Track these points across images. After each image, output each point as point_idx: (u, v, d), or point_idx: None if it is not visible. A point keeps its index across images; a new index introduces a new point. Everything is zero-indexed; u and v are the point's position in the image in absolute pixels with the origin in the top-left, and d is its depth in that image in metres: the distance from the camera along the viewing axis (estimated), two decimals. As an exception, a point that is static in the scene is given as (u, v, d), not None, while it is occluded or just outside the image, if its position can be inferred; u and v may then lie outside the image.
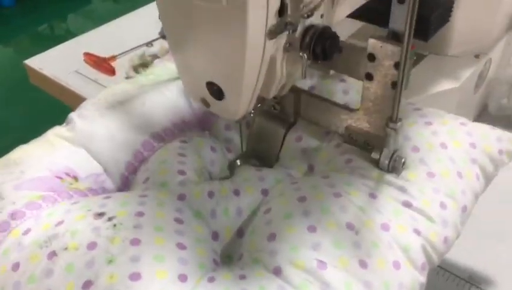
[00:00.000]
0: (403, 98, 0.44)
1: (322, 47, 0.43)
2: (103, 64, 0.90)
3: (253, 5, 0.35)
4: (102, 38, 1.00)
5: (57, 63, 0.93)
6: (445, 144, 0.48)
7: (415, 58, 0.46)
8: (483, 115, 0.83)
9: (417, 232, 0.42)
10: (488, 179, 0.49)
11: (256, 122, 0.54)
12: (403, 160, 0.45)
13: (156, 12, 0.42)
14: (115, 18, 1.08)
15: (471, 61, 0.71)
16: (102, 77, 0.89)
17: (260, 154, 0.54)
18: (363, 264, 0.38)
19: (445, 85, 0.67)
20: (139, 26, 1.02)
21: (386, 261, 0.39)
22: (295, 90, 0.52)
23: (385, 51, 0.43)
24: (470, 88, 0.72)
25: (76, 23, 2.55)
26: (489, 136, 0.50)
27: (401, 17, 0.41)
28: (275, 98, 0.50)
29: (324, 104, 0.52)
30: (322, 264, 0.38)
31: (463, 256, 0.60)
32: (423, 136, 0.49)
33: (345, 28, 0.72)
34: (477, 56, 0.72)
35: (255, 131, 0.55)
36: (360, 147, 0.49)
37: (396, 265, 0.40)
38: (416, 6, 0.38)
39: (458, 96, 0.69)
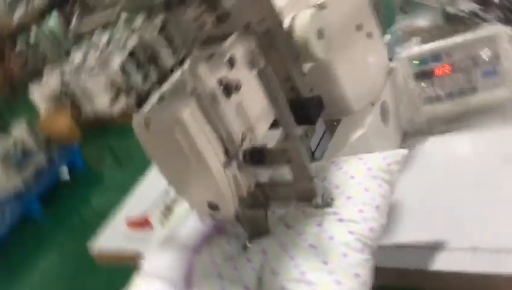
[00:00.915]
0: (326, 159, 0.75)
1: (256, 158, 0.76)
2: (144, 224, 1.23)
3: (209, 159, 0.68)
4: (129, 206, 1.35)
5: (111, 240, 1.26)
6: (352, 176, 0.79)
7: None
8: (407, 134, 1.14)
9: (351, 232, 0.71)
10: (390, 183, 0.79)
11: (244, 213, 0.86)
12: (331, 197, 0.76)
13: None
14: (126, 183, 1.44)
15: (369, 109, 1.03)
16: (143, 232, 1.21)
17: (257, 231, 0.85)
18: (325, 263, 0.67)
19: (357, 133, 0.99)
20: (154, 183, 1.37)
21: (338, 255, 0.68)
22: (259, 185, 0.84)
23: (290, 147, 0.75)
24: (377, 126, 1.04)
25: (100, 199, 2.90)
26: (377, 158, 0.81)
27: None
28: (248, 194, 0.82)
29: (280, 188, 0.83)
30: (302, 272, 0.67)
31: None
32: (339, 177, 0.80)
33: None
34: (372, 103, 1.04)
35: (247, 219, 0.86)
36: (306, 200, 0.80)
37: (345, 255, 0.68)
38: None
39: (371, 136, 1.00)
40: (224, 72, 0.70)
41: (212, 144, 0.69)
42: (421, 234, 0.88)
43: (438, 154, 1.03)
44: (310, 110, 0.82)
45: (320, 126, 1.07)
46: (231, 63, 0.72)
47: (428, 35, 1.11)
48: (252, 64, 0.74)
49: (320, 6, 0.87)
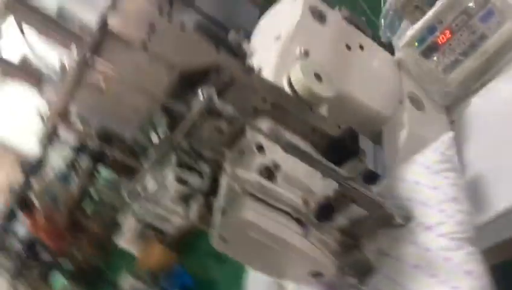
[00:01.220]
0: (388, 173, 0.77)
1: (327, 213, 0.79)
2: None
3: (289, 238, 0.72)
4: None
5: None
6: (416, 181, 0.80)
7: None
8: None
9: (442, 235, 0.71)
10: (453, 169, 0.79)
11: (345, 262, 0.87)
12: (407, 212, 0.77)
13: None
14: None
15: (401, 108, 1.04)
16: None
17: (364, 272, 0.86)
18: (433, 275, 0.68)
19: (403, 134, 1.00)
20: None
21: (441, 262, 0.69)
22: (343, 231, 0.86)
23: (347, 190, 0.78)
24: (418, 118, 1.04)
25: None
26: (429, 154, 0.81)
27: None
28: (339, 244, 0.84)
29: (362, 224, 0.85)
30: None
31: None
32: (405, 189, 0.81)
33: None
34: (400, 101, 1.05)
35: (350, 266, 0.87)
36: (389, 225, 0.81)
37: (447, 259, 0.69)
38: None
39: (417, 129, 1.00)
40: (259, 160, 0.75)
41: (284, 224, 0.73)
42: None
43: (488, 110, 1.02)
44: (347, 145, 0.85)
45: (367, 145, 1.09)
46: (260, 149, 0.77)
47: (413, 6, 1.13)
48: (277, 140, 0.79)
49: (305, 54, 0.92)
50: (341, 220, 0.87)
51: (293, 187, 0.77)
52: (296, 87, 0.86)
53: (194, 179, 0.80)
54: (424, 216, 0.75)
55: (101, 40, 0.61)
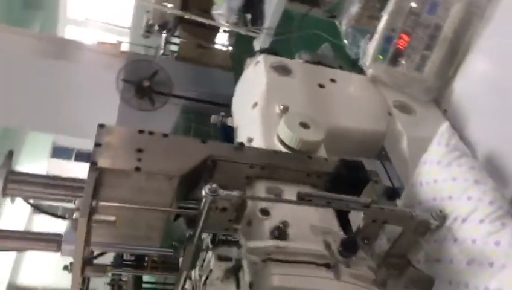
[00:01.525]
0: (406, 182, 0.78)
1: (352, 248, 0.79)
2: None
3: (323, 286, 0.72)
4: None
5: None
6: (435, 180, 0.81)
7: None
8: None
9: (481, 221, 0.71)
10: (463, 154, 0.80)
11: (403, 283, 0.87)
12: (439, 211, 0.77)
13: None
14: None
15: (392, 119, 1.07)
16: None
17: (426, 286, 0.85)
18: (491, 265, 0.68)
19: (403, 142, 1.02)
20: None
21: (491, 248, 0.68)
22: (387, 255, 0.86)
23: (373, 214, 0.79)
24: (410, 121, 1.06)
25: None
26: (433, 149, 0.83)
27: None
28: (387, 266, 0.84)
29: (402, 242, 0.86)
30: (486, 288, 0.68)
31: None
32: (426, 190, 0.82)
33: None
34: (389, 113, 1.08)
35: (411, 282, 0.87)
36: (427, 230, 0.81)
37: (497, 243, 0.68)
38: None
39: (413, 131, 1.03)
40: (267, 224, 0.76)
41: (313, 275, 0.70)
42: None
43: (472, 88, 1.04)
44: (354, 176, 0.87)
45: (376, 165, 1.11)
46: (265, 213, 0.77)
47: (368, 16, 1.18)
48: (276, 195, 0.80)
49: (284, 109, 0.95)
50: (383, 245, 0.88)
51: (311, 235, 0.76)
52: (289, 143, 0.89)
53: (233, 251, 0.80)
54: (455, 210, 0.75)
55: (96, 185, 0.65)
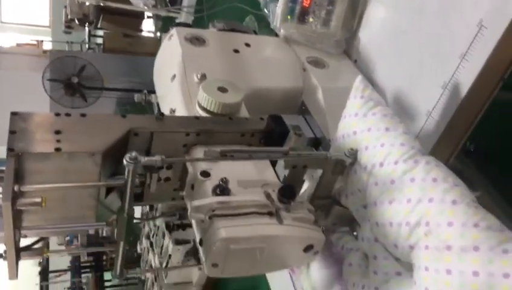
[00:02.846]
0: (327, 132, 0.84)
1: (289, 194, 0.85)
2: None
3: (267, 231, 0.78)
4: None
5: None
6: (354, 132, 0.87)
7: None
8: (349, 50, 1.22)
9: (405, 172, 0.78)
10: (377, 103, 0.86)
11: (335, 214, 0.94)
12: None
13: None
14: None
15: (306, 74, 1.13)
16: None
17: (351, 221, 0.93)
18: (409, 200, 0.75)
19: (319, 92, 1.08)
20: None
21: (413, 184, 0.76)
22: (314, 197, 0.93)
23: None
24: (326, 74, 1.13)
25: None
26: (351, 103, 0.88)
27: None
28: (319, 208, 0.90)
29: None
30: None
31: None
32: (352, 142, 0.88)
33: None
34: (304, 69, 1.14)
35: (338, 218, 0.94)
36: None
37: (412, 180, 0.76)
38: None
39: (328, 82, 1.09)
40: (208, 183, 0.80)
41: (258, 223, 0.76)
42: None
43: (375, 35, 1.11)
44: (276, 129, 0.91)
45: (299, 119, 1.16)
46: (205, 174, 0.81)
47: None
48: (213, 157, 0.83)
49: (202, 77, 0.98)
50: (309, 189, 0.94)
51: (250, 187, 0.81)
52: (209, 108, 0.93)
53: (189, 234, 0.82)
54: (371, 157, 0.80)
55: (17, 168, 0.66)
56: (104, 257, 4.76)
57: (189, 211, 0.78)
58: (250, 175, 0.83)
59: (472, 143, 0.91)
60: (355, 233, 0.94)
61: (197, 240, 0.78)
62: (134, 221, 0.78)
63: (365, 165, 0.82)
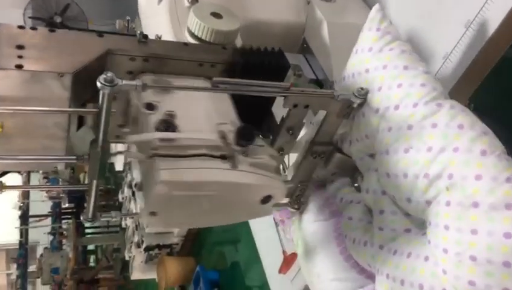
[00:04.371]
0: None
1: (248, 136, 0.75)
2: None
3: (218, 177, 0.68)
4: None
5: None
6: (366, 69, 0.76)
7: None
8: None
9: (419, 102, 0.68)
10: (396, 38, 0.74)
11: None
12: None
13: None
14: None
15: (308, 8, 1.01)
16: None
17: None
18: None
19: (324, 28, 0.96)
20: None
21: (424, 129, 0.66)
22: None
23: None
24: (327, 8, 1.01)
25: None
26: (365, 36, 0.76)
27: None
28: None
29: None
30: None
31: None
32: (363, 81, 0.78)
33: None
34: (308, 1, 1.02)
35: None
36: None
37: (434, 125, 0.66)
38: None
39: (333, 16, 0.97)
40: (152, 118, 0.66)
41: (207, 167, 0.63)
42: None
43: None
44: (272, 64, 0.80)
45: (299, 59, 1.05)
46: (150, 107, 0.67)
47: None
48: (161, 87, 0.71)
49: (194, 1, 0.86)
50: (310, 134, 0.84)
51: (204, 125, 0.68)
52: (200, 35, 0.81)
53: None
54: (385, 99, 0.69)
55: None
56: (85, 204, 4.71)
57: (125, 148, 0.66)
58: (206, 112, 0.70)
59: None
60: (356, 185, 0.86)
61: (135, 184, 0.66)
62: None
63: (377, 108, 0.71)
